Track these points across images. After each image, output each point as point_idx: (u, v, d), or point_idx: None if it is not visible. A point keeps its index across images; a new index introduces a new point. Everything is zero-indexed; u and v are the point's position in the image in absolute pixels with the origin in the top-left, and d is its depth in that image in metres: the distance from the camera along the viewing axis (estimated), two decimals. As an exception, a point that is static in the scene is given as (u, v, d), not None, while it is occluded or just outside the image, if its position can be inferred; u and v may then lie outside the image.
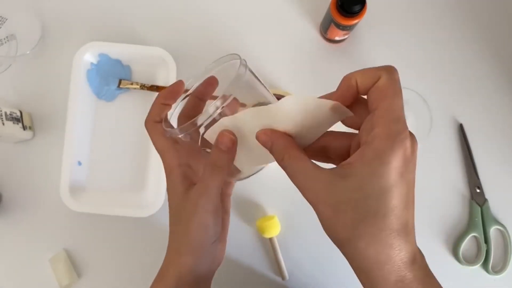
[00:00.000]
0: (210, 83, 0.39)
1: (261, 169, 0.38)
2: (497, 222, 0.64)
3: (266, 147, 0.32)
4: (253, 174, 0.38)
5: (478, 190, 0.64)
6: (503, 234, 0.64)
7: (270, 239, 0.62)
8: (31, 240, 0.62)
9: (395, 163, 0.27)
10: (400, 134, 0.27)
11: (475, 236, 0.64)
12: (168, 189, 0.38)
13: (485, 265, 0.63)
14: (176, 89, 0.38)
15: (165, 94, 0.38)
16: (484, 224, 0.63)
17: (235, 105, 0.34)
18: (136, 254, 0.63)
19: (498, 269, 0.64)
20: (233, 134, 0.33)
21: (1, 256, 0.62)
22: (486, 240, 0.63)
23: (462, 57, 0.67)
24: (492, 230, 0.64)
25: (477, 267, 0.64)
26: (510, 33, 0.67)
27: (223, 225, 0.41)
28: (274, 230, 0.61)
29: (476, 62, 0.67)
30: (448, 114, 0.66)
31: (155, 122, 0.38)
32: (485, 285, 0.64)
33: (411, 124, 0.65)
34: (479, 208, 0.64)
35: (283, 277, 0.62)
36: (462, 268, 0.64)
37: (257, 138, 0.32)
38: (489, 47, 0.67)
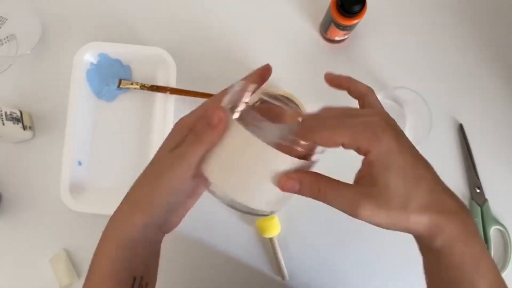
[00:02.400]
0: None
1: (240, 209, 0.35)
2: (497, 222, 0.64)
3: (293, 190, 0.34)
4: (230, 206, 0.35)
5: (478, 190, 0.64)
6: (503, 234, 0.64)
7: (270, 239, 0.62)
8: (31, 240, 0.62)
9: (403, 173, 0.32)
10: (386, 149, 0.32)
11: None
12: (165, 139, 0.39)
13: None
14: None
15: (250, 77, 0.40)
16: (484, 224, 0.63)
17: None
18: (136, 254, 0.63)
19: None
20: (225, 113, 0.34)
21: (1, 256, 0.62)
22: (486, 240, 0.63)
23: (462, 57, 0.67)
24: (492, 230, 0.64)
25: None
26: (510, 32, 0.67)
27: (187, 200, 0.41)
28: (274, 230, 0.61)
29: (476, 61, 0.67)
30: (448, 114, 0.66)
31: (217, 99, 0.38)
32: (485, 285, 0.64)
33: (411, 124, 0.65)
34: (479, 208, 0.64)
35: (283, 277, 0.62)
36: None
37: (281, 185, 0.33)
38: (489, 46, 0.67)
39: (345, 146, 0.33)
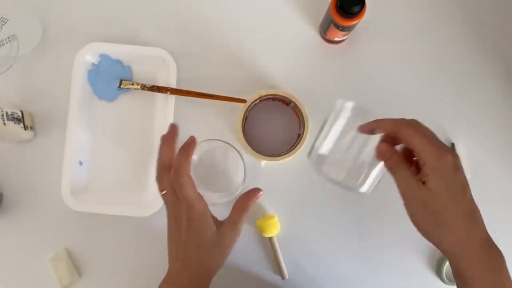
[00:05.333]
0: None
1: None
2: None
3: (385, 157, 0.42)
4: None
5: None
6: None
7: (270, 239, 0.62)
8: (32, 240, 0.62)
9: (448, 175, 0.40)
10: (444, 165, 0.40)
11: None
12: (200, 229, 0.46)
13: None
14: (192, 143, 0.48)
15: (187, 150, 0.47)
16: None
17: None
18: (136, 254, 0.63)
19: (480, 290, 0.63)
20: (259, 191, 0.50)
21: (2, 256, 0.62)
22: None
23: (462, 58, 0.67)
24: None
25: None
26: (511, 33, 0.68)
27: None
28: (274, 229, 0.61)
29: (476, 62, 0.67)
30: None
31: (188, 175, 0.46)
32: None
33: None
34: None
35: (283, 277, 0.62)
36: (445, 287, 0.64)
37: (378, 149, 0.43)
38: (490, 47, 0.67)
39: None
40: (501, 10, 0.68)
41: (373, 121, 0.43)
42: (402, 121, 0.42)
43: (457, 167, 0.40)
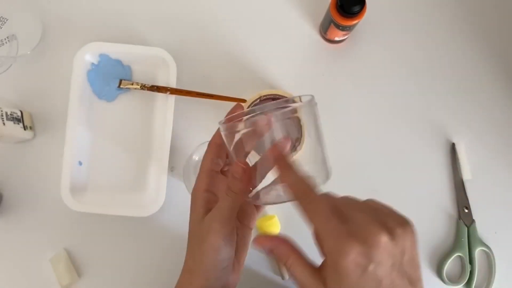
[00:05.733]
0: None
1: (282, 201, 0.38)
2: (483, 243, 0.63)
3: (266, 253, 0.35)
4: (274, 203, 0.39)
5: (466, 210, 0.64)
6: (488, 255, 0.63)
7: (270, 239, 0.62)
8: (31, 240, 0.62)
9: (350, 278, 0.30)
10: (344, 264, 0.29)
11: (460, 256, 0.63)
12: (190, 211, 0.40)
13: (468, 285, 0.63)
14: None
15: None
16: (470, 245, 0.63)
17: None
18: (136, 254, 0.63)
19: (481, 290, 0.63)
20: (247, 164, 0.36)
21: (2, 256, 0.62)
22: (471, 261, 0.63)
23: (462, 58, 0.67)
24: (477, 251, 0.63)
25: (460, 287, 0.63)
26: None
27: (239, 255, 0.42)
28: (274, 229, 0.61)
29: (476, 62, 0.67)
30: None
31: (217, 144, 0.40)
32: (467, 306, 0.64)
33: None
34: (466, 229, 0.63)
35: (283, 277, 0.62)
36: (445, 287, 0.63)
37: (254, 244, 0.35)
38: (491, 47, 0.67)
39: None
40: (502, 9, 0.68)
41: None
42: (306, 193, 0.34)
43: (366, 264, 0.29)
